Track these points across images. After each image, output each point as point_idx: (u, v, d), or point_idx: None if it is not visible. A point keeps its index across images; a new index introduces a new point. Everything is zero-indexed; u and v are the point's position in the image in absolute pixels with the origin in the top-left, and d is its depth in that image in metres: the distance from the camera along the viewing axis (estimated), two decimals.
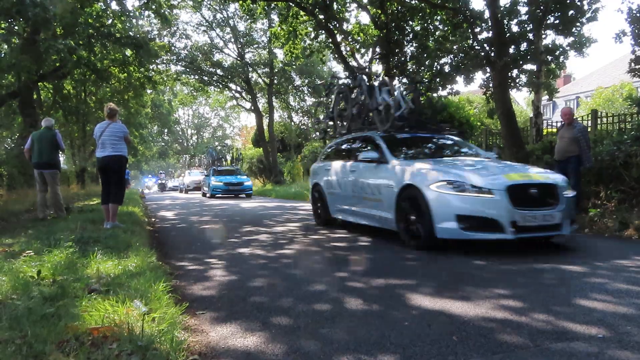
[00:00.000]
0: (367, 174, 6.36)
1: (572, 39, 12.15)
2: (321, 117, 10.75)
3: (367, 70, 16.87)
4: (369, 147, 6.66)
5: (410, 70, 16.63)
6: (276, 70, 32.55)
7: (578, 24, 11.62)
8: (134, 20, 17.07)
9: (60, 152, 8.77)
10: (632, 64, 10.25)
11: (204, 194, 23.21)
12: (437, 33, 15.17)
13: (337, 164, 7.54)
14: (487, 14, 12.53)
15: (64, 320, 2.32)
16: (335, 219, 7.57)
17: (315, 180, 8.28)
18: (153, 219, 10.25)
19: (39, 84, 17.00)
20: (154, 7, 15.31)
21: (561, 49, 12.32)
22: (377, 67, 18.67)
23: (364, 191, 6.37)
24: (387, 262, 4.72)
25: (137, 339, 2.10)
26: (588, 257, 4.75)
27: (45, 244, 4.52)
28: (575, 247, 5.59)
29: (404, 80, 17.26)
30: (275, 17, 24.56)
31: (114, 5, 15.32)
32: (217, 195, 20.75)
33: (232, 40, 33.45)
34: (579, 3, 11.30)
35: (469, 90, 29.00)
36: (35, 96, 17.09)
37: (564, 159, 7.68)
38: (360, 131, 7.76)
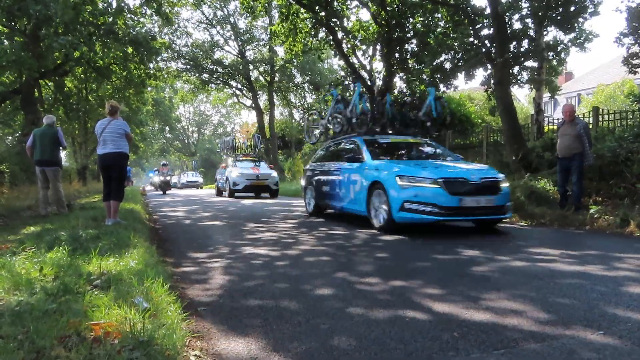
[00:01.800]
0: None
1: (573, 35, 12.11)
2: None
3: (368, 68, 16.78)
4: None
5: (411, 67, 16.61)
6: (277, 67, 32.53)
7: (580, 19, 11.58)
8: (135, 18, 17.05)
9: (62, 150, 8.79)
10: (630, 60, 10.24)
11: (318, 210, 9.48)
12: (437, 30, 15.14)
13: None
14: (488, 11, 12.51)
15: (66, 316, 2.32)
16: None
17: None
18: (154, 216, 10.26)
19: (40, 81, 17.01)
20: (155, 5, 15.29)
21: (562, 45, 12.28)
22: (378, 64, 18.67)
23: None
24: (388, 260, 4.73)
25: (138, 335, 2.11)
26: (589, 255, 4.76)
27: (47, 241, 4.52)
28: (577, 244, 5.59)
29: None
30: (275, 14, 24.54)
31: (115, 4, 15.29)
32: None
33: (233, 37, 33.45)
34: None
35: (469, 87, 28.86)
36: (36, 93, 17.11)
37: (568, 156, 7.66)
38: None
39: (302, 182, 10.52)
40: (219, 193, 19.49)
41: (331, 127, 10.12)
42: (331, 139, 9.91)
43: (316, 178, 9.32)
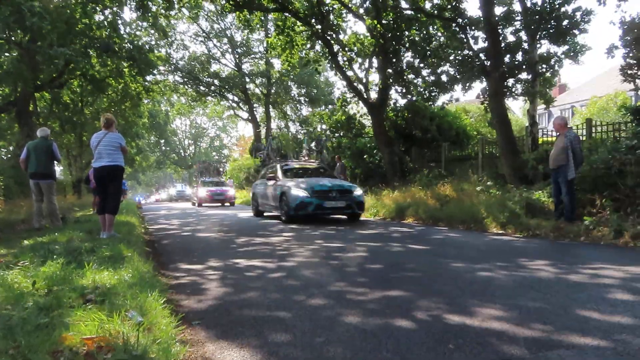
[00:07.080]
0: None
1: (566, 47, 12.30)
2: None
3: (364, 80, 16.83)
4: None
5: (407, 79, 16.73)
6: (273, 80, 32.71)
7: (572, 32, 11.78)
8: (132, 31, 17.12)
9: (56, 163, 8.76)
10: (626, 71, 10.37)
11: None
12: (433, 43, 15.29)
13: None
14: (482, 25, 12.67)
15: (59, 330, 2.30)
16: None
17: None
18: (150, 229, 10.21)
19: (36, 94, 17.00)
20: (150, 17, 15.35)
21: (556, 58, 12.45)
22: (375, 77, 18.79)
23: None
24: (383, 271, 4.72)
25: (132, 349, 2.09)
26: (583, 266, 4.76)
27: (40, 254, 4.49)
28: (572, 256, 5.60)
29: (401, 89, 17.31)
30: (272, 27, 24.74)
31: (110, 17, 15.34)
32: None
33: (230, 50, 33.67)
34: (571, 14, 11.45)
35: (465, 100, 29.13)
36: (32, 106, 17.08)
37: (554, 167, 7.81)
38: None
39: None
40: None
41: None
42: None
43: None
